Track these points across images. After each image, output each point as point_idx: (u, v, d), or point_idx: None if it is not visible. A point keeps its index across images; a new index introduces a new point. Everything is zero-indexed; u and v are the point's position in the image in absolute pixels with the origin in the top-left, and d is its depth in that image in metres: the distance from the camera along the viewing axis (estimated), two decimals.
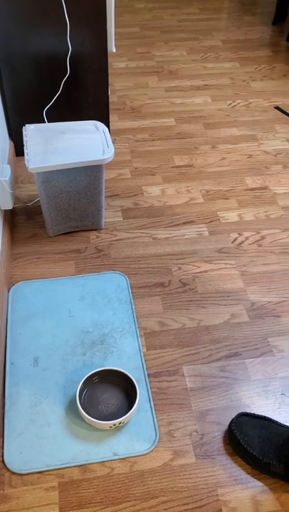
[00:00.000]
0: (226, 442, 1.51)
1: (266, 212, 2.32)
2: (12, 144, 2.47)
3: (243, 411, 1.55)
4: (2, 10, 2.09)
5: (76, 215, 2.12)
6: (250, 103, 3.14)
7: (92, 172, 1.97)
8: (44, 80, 2.34)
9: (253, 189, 2.46)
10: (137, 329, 1.81)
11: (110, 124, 2.61)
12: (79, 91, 2.42)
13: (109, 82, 2.45)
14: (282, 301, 1.92)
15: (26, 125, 2.09)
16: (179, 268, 2.04)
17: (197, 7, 4.47)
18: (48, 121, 2.30)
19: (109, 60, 2.39)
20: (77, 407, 1.52)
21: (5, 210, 2.07)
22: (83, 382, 1.56)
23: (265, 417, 1.53)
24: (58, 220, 2.11)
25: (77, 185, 2.00)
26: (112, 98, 3.10)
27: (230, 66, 3.58)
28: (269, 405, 1.60)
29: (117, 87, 3.23)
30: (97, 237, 2.18)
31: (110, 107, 2.58)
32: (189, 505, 1.37)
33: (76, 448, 1.48)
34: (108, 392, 1.60)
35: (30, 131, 2.06)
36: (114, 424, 1.48)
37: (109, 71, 2.42)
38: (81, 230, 2.19)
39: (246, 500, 1.39)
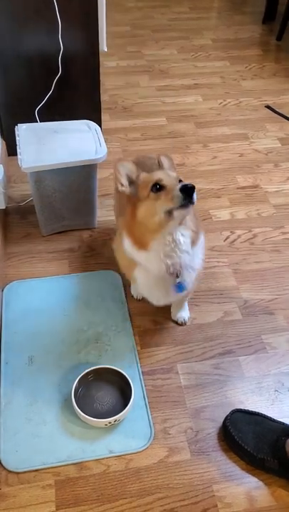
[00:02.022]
0: (221, 439, 1.52)
1: (258, 210, 2.34)
2: (4, 143, 2.46)
3: (237, 407, 1.56)
4: None
5: (69, 214, 2.12)
6: (240, 102, 3.16)
7: (85, 171, 1.98)
8: (36, 80, 2.34)
9: (244, 187, 2.48)
10: (131, 327, 1.82)
11: (102, 123, 2.61)
12: (71, 90, 2.42)
13: (101, 82, 2.45)
14: (275, 298, 1.94)
15: (19, 125, 2.09)
16: None
17: (187, 6, 4.48)
18: (40, 121, 2.30)
19: (100, 59, 2.39)
20: (72, 406, 1.52)
21: None
22: (78, 381, 1.57)
23: (259, 413, 1.54)
24: (52, 219, 2.12)
25: (71, 184, 2.01)
26: (104, 97, 3.09)
27: (221, 65, 3.59)
28: (263, 402, 1.61)
29: (108, 87, 3.23)
30: (91, 236, 2.19)
31: (102, 106, 2.58)
32: (185, 501, 1.39)
33: (72, 446, 1.48)
34: (103, 390, 1.61)
35: (23, 131, 2.06)
36: (110, 422, 1.49)
37: (101, 70, 2.42)
38: (74, 229, 2.20)
39: (241, 495, 1.40)
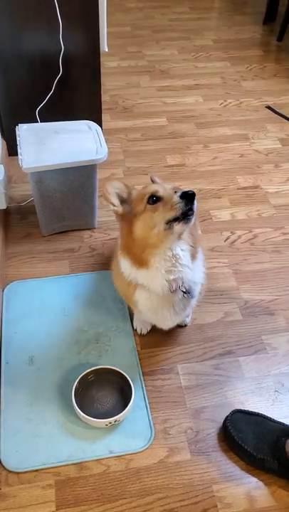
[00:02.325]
0: (221, 439, 1.52)
1: (258, 210, 2.34)
2: (5, 143, 2.47)
3: (237, 408, 1.57)
4: None
5: (70, 214, 2.13)
6: (241, 102, 3.16)
7: (85, 172, 1.98)
8: (37, 80, 2.34)
9: (245, 188, 2.48)
10: (131, 328, 1.82)
11: (103, 123, 2.61)
12: (71, 91, 2.42)
13: (101, 82, 2.46)
14: (275, 299, 1.94)
15: (19, 125, 2.09)
16: None
17: (188, 6, 4.48)
18: (41, 121, 2.30)
19: (101, 59, 2.40)
20: (72, 406, 1.52)
21: None
22: (79, 381, 1.57)
23: (259, 413, 1.54)
24: (52, 219, 2.12)
25: (71, 184, 2.01)
26: (104, 98, 3.09)
27: (222, 65, 3.59)
28: (263, 402, 1.62)
29: (109, 87, 3.23)
30: (91, 236, 2.19)
31: (102, 106, 2.58)
32: (185, 501, 1.39)
33: (72, 446, 1.49)
34: (103, 391, 1.61)
35: (24, 131, 2.06)
36: (110, 422, 1.49)
37: (101, 71, 2.43)
38: (75, 230, 2.20)
39: (241, 496, 1.41)
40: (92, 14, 2.22)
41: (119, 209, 1.38)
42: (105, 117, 2.82)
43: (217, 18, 4.39)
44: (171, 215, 1.26)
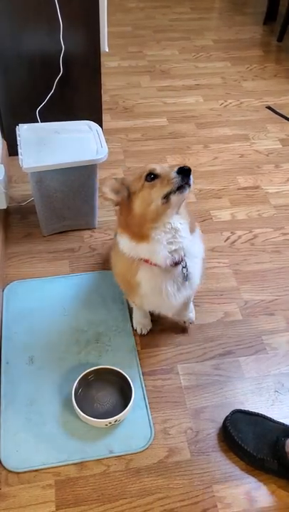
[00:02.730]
0: (221, 439, 1.52)
1: (258, 211, 2.34)
2: (5, 143, 2.47)
3: (237, 408, 1.56)
4: None
5: (70, 214, 2.13)
6: (241, 103, 3.16)
7: (86, 172, 1.98)
8: (37, 80, 2.34)
9: (245, 188, 2.48)
10: (132, 328, 1.82)
11: (103, 123, 2.61)
12: (72, 90, 2.42)
13: (102, 82, 2.46)
14: (275, 299, 1.94)
15: (20, 125, 2.09)
16: None
17: (188, 6, 4.48)
18: (41, 121, 2.30)
19: (102, 59, 2.40)
20: (72, 406, 1.52)
21: None
22: (79, 381, 1.57)
23: (259, 413, 1.54)
24: (52, 219, 2.12)
25: (71, 184, 2.01)
26: (105, 98, 3.09)
27: (222, 66, 3.59)
28: (263, 402, 1.62)
29: (110, 87, 3.23)
30: (91, 236, 2.19)
31: (103, 106, 2.58)
32: (185, 501, 1.39)
33: (72, 446, 1.49)
34: (103, 391, 1.61)
35: (24, 131, 2.06)
36: (110, 422, 1.50)
37: (102, 70, 2.43)
38: (75, 229, 2.20)
39: (241, 496, 1.41)
40: (92, 14, 2.22)
41: (117, 198, 1.43)
42: (106, 117, 2.82)
43: (217, 19, 4.39)
44: (168, 189, 1.31)
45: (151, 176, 1.34)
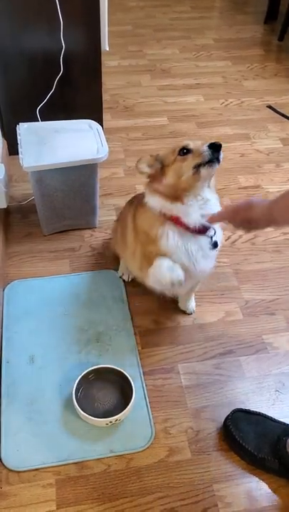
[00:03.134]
0: (221, 438, 1.52)
1: None
2: (5, 142, 2.46)
3: (238, 407, 1.56)
4: None
5: (70, 213, 2.13)
6: (242, 102, 3.16)
7: (86, 171, 1.98)
8: (37, 78, 2.34)
9: (246, 187, 2.48)
10: (132, 327, 1.82)
11: (103, 122, 2.61)
12: (72, 89, 2.42)
13: (102, 81, 2.46)
14: (276, 298, 1.94)
15: (20, 124, 2.09)
16: None
17: (189, 5, 4.48)
18: (42, 120, 2.29)
19: (102, 58, 2.40)
20: (73, 405, 1.52)
21: None
22: (79, 380, 1.57)
23: (259, 413, 1.54)
24: (53, 218, 2.12)
25: (72, 183, 2.01)
26: (105, 97, 3.08)
27: (223, 65, 3.59)
28: (263, 401, 1.62)
29: (110, 86, 3.23)
30: (92, 235, 2.19)
31: (103, 105, 2.58)
32: (185, 500, 1.39)
33: (73, 445, 1.49)
34: (104, 390, 1.61)
35: (24, 130, 2.06)
36: (111, 422, 1.50)
37: (102, 69, 2.43)
38: (75, 229, 2.20)
39: (241, 495, 1.41)
40: (93, 13, 2.22)
41: (150, 170, 1.50)
42: (106, 116, 2.82)
43: (218, 18, 4.39)
44: (199, 160, 1.38)
45: (184, 151, 1.41)
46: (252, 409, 1.56)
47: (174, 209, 1.47)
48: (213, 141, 1.38)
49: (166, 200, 1.47)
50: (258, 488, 1.42)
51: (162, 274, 1.48)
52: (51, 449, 1.48)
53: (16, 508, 1.37)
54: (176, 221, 1.47)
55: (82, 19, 2.22)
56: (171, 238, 1.49)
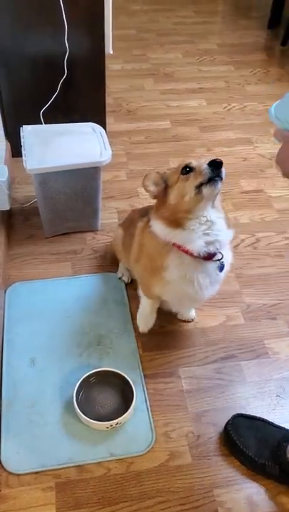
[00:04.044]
0: (222, 443, 1.52)
1: (261, 215, 2.34)
2: (9, 144, 2.47)
3: (239, 412, 1.56)
4: (0, 11, 2.09)
5: (73, 216, 2.13)
6: (245, 106, 3.16)
7: (89, 174, 1.98)
8: (41, 81, 2.35)
9: (248, 192, 2.48)
10: (133, 330, 1.81)
11: (106, 126, 2.61)
12: (76, 92, 2.43)
13: (106, 84, 2.47)
14: (278, 303, 1.94)
15: (24, 126, 2.09)
16: None
17: (192, 10, 4.49)
18: (45, 123, 2.30)
19: (105, 61, 2.41)
20: (74, 408, 1.52)
21: (2, 211, 2.07)
22: (80, 383, 1.57)
23: (260, 418, 1.54)
24: (55, 221, 2.12)
25: (75, 186, 2.01)
26: (108, 100, 3.09)
27: (226, 69, 3.60)
28: (264, 407, 1.61)
29: (113, 89, 3.24)
30: (94, 238, 2.19)
31: (106, 109, 2.59)
32: (185, 505, 1.38)
33: (73, 448, 1.48)
34: (105, 393, 1.60)
35: (28, 133, 2.06)
36: (111, 425, 1.49)
37: (106, 73, 2.44)
38: (77, 231, 2.20)
39: (242, 500, 1.40)
40: (97, 17, 2.22)
41: (156, 190, 1.48)
42: (109, 120, 2.83)
43: (221, 23, 4.40)
44: (200, 180, 1.34)
45: (187, 170, 1.38)
46: (253, 414, 1.55)
47: (176, 237, 1.42)
48: (213, 158, 1.33)
49: (168, 227, 1.43)
50: (259, 494, 1.42)
51: (138, 318, 1.79)
52: (51, 452, 1.47)
53: (16, 511, 1.36)
54: (180, 248, 1.43)
55: (87, 23, 2.23)
56: (176, 269, 1.47)
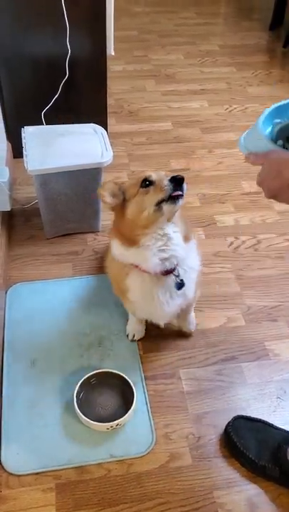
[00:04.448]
0: (222, 445, 1.52)
1: (262, 216, 2.34)
2: (10, 145, 2.47)
3: (239, 414, 1.56)
4: (2, 12, 2.10)
5: (74, 217, 2.13)
6: (246, 108, 3.16)
7: (90, 175, 1.98)
8: (43, 82, 2.35)
9: (249, 193, 2.48)
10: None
11: (108, 127, 2.62)
12: (77, 93, 2.43)
13: (107, 86, 2.47)
14: (278, 305, 1.94)
15: (25, 127, 2.09)
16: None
17: (194, 11, 4.49)
18: (46, 124, 2.30)
19: (107, 63, 2.41)
20: (74, 409, 1.52)
21: (3, 212, 2.07)
22: (80, 384, 1.57)
23: (261, 420, 1.54)
24: (56, 222, 2.12)
25: (76, 187, 2.01)
26: (110, 101, 3.09)
27: (227, 71, 3.60)
28: (265, 408, 1.61)
29: (115, 91, 3.24)
30: (95, 239, 2.19)
31: (108, 110, 2.59)
32: (186, 507, 1.38)
33: (73, 449, 1.48)
34: (105, 394, 1.60)
35: (29, 134, 2.06)
36: (112, 426, 1.49)
37: (107, 74, 2.44)
38: (78, 232, 2.20)
39: (242, 502, 1.40)
40: (99, 18, 2.23)
41: (113, 202, 1.42)
42: (110, 121, 2.83)
43: (223, 24, 4.40)
44: (160, 196, 1.30)
45: (147, 183, 1.33)
46: (253, 416, 1.55)
47: (131, 256, 1.40)
48: (175, 175, 1.29)
49: (123, 245, 1.40)
50: (259, 496, 1.41)
51: (127, 328, 1.79)
52: (52, 453, 1.47)
53: None
54: (138, 267, 1.41)
55: (88, 24, 2.23)
56: (137, 289, 1.46)
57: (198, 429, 1.55)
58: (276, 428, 1.51)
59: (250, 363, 1.74)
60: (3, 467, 1.44)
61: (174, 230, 1.38)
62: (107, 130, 2.26)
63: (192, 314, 1.79)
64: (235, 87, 3.39)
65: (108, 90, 2.54)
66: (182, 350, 1.77)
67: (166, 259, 1.37)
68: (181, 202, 1.31)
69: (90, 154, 1.97)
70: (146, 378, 1.68)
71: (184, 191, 1.30)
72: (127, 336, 1.79)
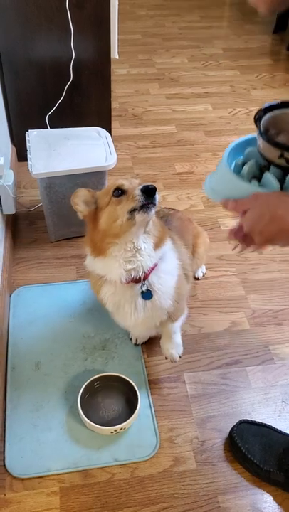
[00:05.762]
0: (227, 449, 1.51)
1: None
2: (14, 148, 2.48)
3: (244, 418, 1.55)
4: (6, 16, 2.10)
5: (78, 220, 2.11)
6: (250, 111, 3.16)
7: (95, 178, 1.98)
8: (47, 86, 2.35)
9: None
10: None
11: (112, 130, 2.62)
12: (82, 97, 2.43)
13: (111, 89, 2.48)
14: (283, 309, 1.93)
15: (30, 130, 2.10)
16: None
17: (198, 15, 4.50)
18: (51, 127, 2.30)
19: (111, 66, 2.42)
20: (78, 412, 1.52)
21: (7, 215, 2.08)
22: (85, 388, 1.56)
23: (265, 424, 1.53)
24: (60, 225, 2.12)
25: None
26: (114, 105, 3.10)
27: (231, 74, 3.60)
28: (269, 413, 1.60)
29: (119, 94, 3.24)
30: None
31: (112, 113, 2.60)
32: (190, 511, 1.38)
33: (77, 453, 1.48)
34: (109, 398, 1.60)
35: (34, 137, 2.06)
36: (116, 430, 1.49)
37: (111, 78, 2.44)
38: (83, 236, 2.19)
39: (246, 507, 1.39)
40: (103, 22, 2.23)
41: (86, 211, 1.40)
42: (115, 124, 2.83)
43: (227, 27, 4.40)
44: (132, 205, 1.27)
45: (119, 192, 1.31)
46: (258, 421, 1.55)
47: (97, 267, 1.38)
48: (147, 184, 1.26)
49: (92, 255, 1.37)
50: (264, 501, 1.41)
51: (130, 333, 1.77)
52: (56, 456, 1.47)
53: None
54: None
55: (93, 28, 2.23)
56: (110, 300, 1.44)
57: (202, 433, 1.55)
58: (281, 433, 1.51)
59: (254, 366, 1.74)
60: (7, 470, 1.44)
61: (144, 241, 1.35)
62: (111, 133, 2.27)
63: (177, 336, 1.62)
64: (239, 90, 3.39)
65: (112, 94, 2.54)
66: (186, 354, 1.76)
67: (132, 269, 1.34)
68: (153, 211, 1.28)
69: (94, 158, 1.97)
70: (150, 382, 1.67)
71: (156, 201, 1.27)
72: (131, 339, 1.79)
